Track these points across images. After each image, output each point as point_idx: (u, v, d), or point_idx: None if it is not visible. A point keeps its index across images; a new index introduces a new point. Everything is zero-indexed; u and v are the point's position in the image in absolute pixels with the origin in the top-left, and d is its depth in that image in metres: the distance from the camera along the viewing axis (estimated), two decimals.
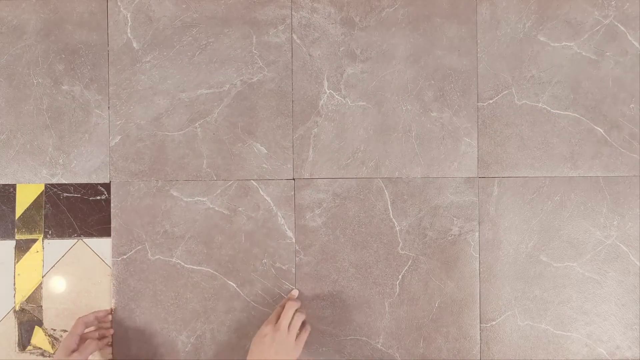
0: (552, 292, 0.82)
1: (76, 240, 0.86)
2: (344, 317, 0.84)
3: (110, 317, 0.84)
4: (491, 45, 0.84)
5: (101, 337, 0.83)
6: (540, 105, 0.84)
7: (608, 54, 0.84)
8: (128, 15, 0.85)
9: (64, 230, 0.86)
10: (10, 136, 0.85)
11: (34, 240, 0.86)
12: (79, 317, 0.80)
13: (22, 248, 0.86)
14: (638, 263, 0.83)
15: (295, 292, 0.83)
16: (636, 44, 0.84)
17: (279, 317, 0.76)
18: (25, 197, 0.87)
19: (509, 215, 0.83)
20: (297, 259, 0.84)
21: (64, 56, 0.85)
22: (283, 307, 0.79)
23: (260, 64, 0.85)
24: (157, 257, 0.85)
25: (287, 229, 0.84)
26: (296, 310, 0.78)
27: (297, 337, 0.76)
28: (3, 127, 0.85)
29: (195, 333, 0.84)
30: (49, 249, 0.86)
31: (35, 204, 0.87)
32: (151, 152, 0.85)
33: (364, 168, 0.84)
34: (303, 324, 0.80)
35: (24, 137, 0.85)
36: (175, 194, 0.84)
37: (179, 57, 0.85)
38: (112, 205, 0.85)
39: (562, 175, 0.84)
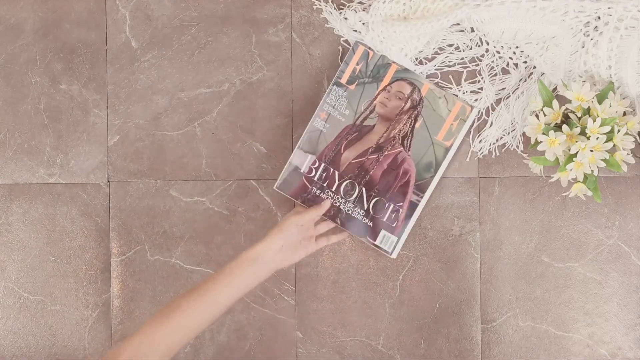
0: (554, 293, 0.82)
1: None
2: (344, 318, 0.84)
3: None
4: None
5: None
6: None
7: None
8: (127, 14, 0.85)
9: None
10: (8, 135, 0.84)
11: None
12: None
13: None
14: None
15: (326, 203, 0.78)
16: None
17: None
18: None
19: (510, 216, 0.83)
20: None
21: (62, 55, 0.85)
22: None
23: (260, 63, 0.85)
24: (156, 257, 0.84)
25: None
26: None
27: (316, 239, 0.74)
28: (0, 127, 0.85)
29: None
30: None
31: None
32: (150, 151, 0.84)
33: None
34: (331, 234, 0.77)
35: (22, 137, 0.84)
36: (174, 194, 0.84)
37: (178, 56, 0.85)
38: (110, 205, 0.84)
39: None
